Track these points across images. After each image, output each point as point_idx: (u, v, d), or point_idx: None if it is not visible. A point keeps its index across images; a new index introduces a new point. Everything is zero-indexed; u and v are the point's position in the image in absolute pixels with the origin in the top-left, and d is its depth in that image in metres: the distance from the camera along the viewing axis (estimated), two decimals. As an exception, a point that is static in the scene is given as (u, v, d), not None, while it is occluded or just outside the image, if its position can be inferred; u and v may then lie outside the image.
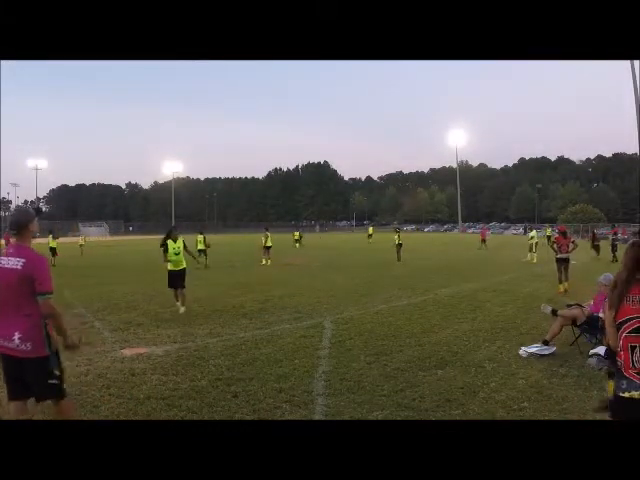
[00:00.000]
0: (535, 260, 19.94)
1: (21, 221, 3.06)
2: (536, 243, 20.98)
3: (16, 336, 2.91)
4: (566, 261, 11.60)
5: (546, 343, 5.86)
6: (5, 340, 2.95)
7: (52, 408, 3.16)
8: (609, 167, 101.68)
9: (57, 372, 3.02)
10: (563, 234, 12.10)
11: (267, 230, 20.21)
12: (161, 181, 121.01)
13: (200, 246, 17.63)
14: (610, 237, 22.33)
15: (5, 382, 3.12)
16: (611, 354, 2.43)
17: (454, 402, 4.30)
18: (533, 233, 22.03)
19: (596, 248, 22.82)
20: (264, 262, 18.88)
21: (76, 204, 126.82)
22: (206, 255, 17.42)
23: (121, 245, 42.69)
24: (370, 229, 44.82)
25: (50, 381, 2.98)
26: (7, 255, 3.01)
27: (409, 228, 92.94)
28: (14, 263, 2.93)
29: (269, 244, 19.55)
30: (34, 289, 2.89)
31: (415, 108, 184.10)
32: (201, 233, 18.89)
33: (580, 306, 6.35)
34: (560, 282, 11.44)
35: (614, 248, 20.31)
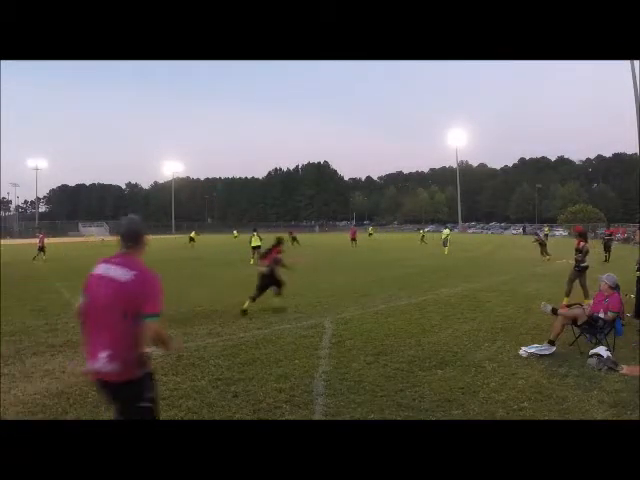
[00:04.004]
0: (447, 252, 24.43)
1: (139, 232, 2.73)
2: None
3: (103, 355, 2.48)
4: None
5: (552, 343, 5.85)
6: (92, 360, 2.54)
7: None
8: (609, 167, 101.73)
9: (150, 395, 2.63)
10: (584, 236, 9.66)
11: (255, 231, 21.03)
12: (161, 181, 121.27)
13: (255, 243, 19.57)
14: (604, 237, 22.22)
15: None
16: None
17: (454, 402, 4.30)
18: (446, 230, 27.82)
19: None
20: (252, 262, 18.87)
21: (76, 204, 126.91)
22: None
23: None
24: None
25: (141, 404, 2.57)
26: (113, 264, 2.61)
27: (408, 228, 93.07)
28: (122, 274, 2.53)
29: (256, 244, 19.72)
30: (139, 308, 2.46)
31: (415, 108, 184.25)
32: (254, 230, 20.82)
33: (581, 305, 6.36)
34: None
35: (608, 248, 20.25)
